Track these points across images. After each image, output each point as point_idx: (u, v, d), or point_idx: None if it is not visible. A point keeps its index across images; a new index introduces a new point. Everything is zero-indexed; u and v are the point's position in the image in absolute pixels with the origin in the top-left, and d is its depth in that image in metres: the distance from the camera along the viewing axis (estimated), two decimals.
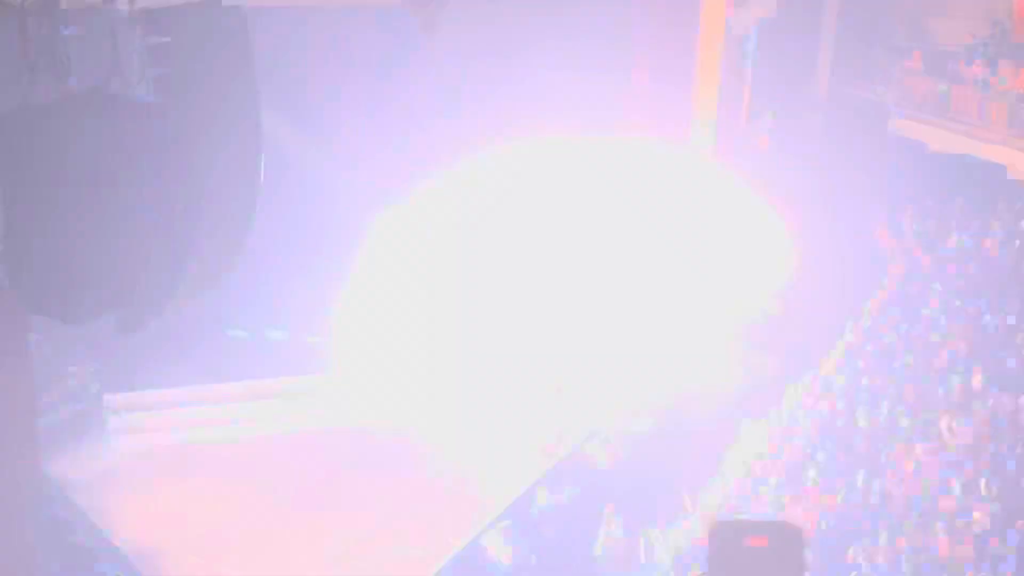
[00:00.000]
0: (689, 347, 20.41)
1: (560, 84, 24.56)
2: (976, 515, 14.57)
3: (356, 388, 18.78)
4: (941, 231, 23.89)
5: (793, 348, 20.59)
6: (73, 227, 9.13)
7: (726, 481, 16.66)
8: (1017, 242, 22.89)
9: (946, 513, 14.74)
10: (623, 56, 24.26)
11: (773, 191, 22.96)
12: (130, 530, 15.79)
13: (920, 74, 26.35)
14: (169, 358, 18.09)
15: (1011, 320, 20.13)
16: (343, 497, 16.83)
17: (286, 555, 15.67)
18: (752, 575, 2.64)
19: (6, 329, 10.50)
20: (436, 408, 18.76)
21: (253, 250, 10.62)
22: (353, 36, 22.48)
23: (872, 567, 14.00)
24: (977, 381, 17.96)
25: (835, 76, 28.27)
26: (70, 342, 17.35)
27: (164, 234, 9.70)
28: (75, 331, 16.21)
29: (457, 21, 14.91)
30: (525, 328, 20.46)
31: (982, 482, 15.12)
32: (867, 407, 17.51)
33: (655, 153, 23.61)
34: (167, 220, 9.66)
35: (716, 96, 24.76)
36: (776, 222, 22.77)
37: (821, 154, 26.26)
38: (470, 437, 18.27)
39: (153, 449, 17.45)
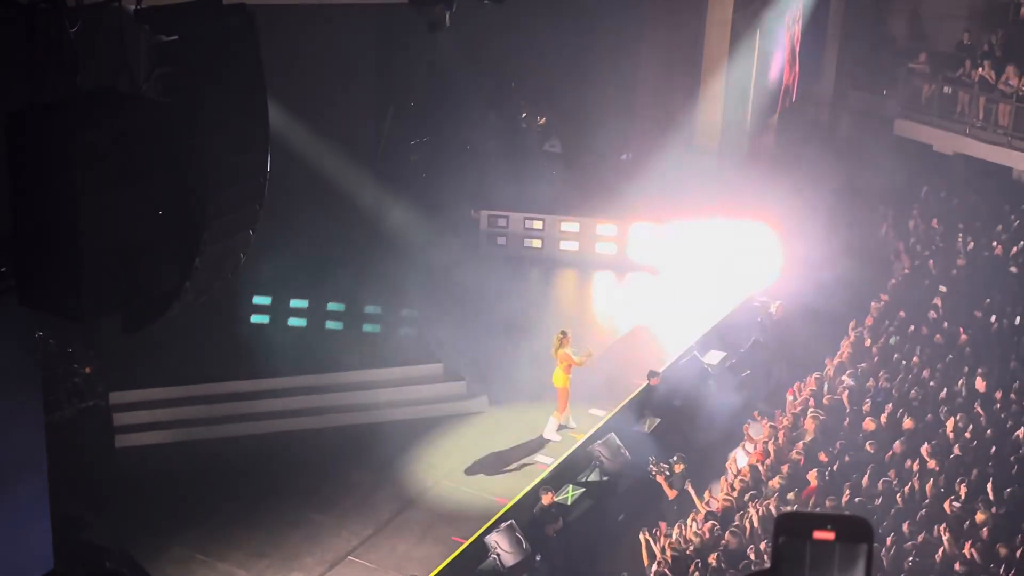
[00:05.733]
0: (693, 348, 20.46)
1: (568, 82, 24.66)
2: (980, 517, 14.54)
3: (363, 384, 18.79)
4: (946, 232, 23.91)
5: (798, 349, 20.60)
6: (80, 225, 9.14)
7: (730, 481, 16.66)
8: (1021, 243, 22.90)
9: (951, 516, 14.73)
10: (631, 58, 24.31)
11: (777, 189, 22.98)
12: (137, 527, 15.80)
13: (926, 75, 26.37)
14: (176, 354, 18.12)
15: (1016, 321, 20.14)
16: (347, 495, 16.86)
17: (290, 552, 15.69)
18: (818, 569, 2.61)
19: (12, 327, 10.52)
20: (439, 406, 18.78)
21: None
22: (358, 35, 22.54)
23: (876, 568, 13.98)
24: (981, 383, 17.95)
25: (840, 76, 28.32)
26: (75, 339, 17.36)
27: (170, 232, 9.72)
28: (81, 329, 16.29)
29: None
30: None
31: (988, 485, 15.09)
32: (871, 408, 17.51)
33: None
34: (173, 219, 9.67)
35: (722, 95, 24.81)
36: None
37: (826, 154, 26.29)
38: (474, 435, 18.30)
39: (159, 446, 17.46)
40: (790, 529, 2.65)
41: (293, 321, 19.83)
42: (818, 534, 2.63)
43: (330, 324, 19.90)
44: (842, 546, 2.63)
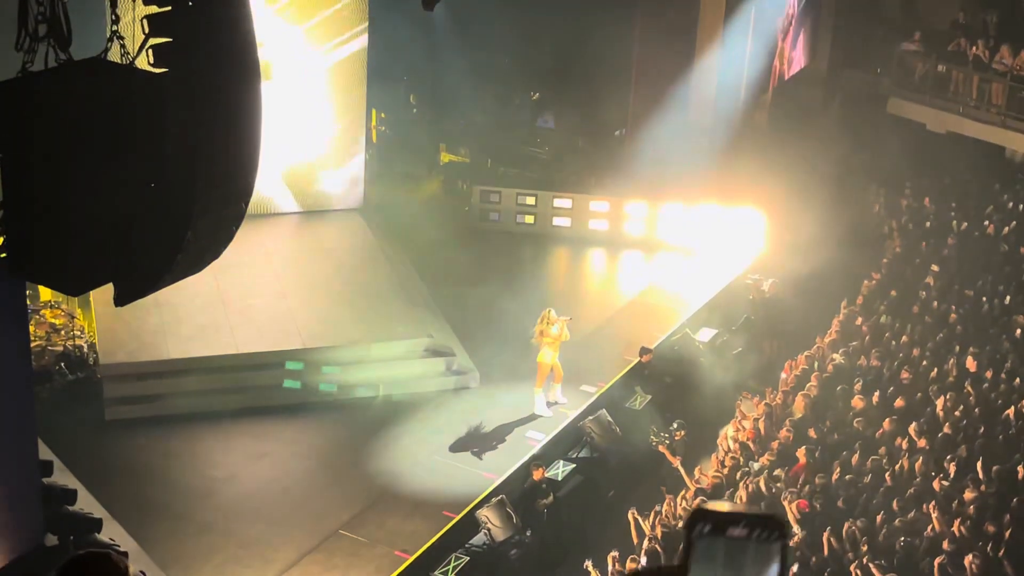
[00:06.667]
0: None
1: (562, 57, 24.59)
2: (969, 495, 14.58)
3: (353, 360, 18.75)
4: (938, 211, 23.92)
5: (789, 327, 20.62)
6: (71, 196, 9.11)
7: (720, 458, 16.69)
8: (1013, 223, 22.93)
9: (940, 494, 14.77)
10: (625, 33, 24.24)
11: (770, 167, 22.96)
12: (127, 498, 15.78)
13: (920, 54, 26.33)
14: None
15: (1007, 301, 20.17)
16: (337, 469, 16.87)
17: (279, 525, 15.70)
18: (732, 566, 2.60)
19: (3, 298, 10.49)
20: (431, 382, 18.78)
21: None
22: None
23: (867, 545, 14.03)
24: (972, 362, 17.98)
25: (835, 54, 28.25)
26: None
27: (162, 204, 9.68)
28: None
29: None
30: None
31: (978, 463, 15.13)
32: (862, 387, 17.53)
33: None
34: (164, 190, 9.63)
35: (716, 72, 24.75)
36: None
37: (819, 132, 26.26)
38: (465, 411, 18.30)
39: (150, 418, 17.42)
40: (703, 525, 2.64)
41: None
42: (732, 531, 2.62)
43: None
44: (756, 544, 2.63)
